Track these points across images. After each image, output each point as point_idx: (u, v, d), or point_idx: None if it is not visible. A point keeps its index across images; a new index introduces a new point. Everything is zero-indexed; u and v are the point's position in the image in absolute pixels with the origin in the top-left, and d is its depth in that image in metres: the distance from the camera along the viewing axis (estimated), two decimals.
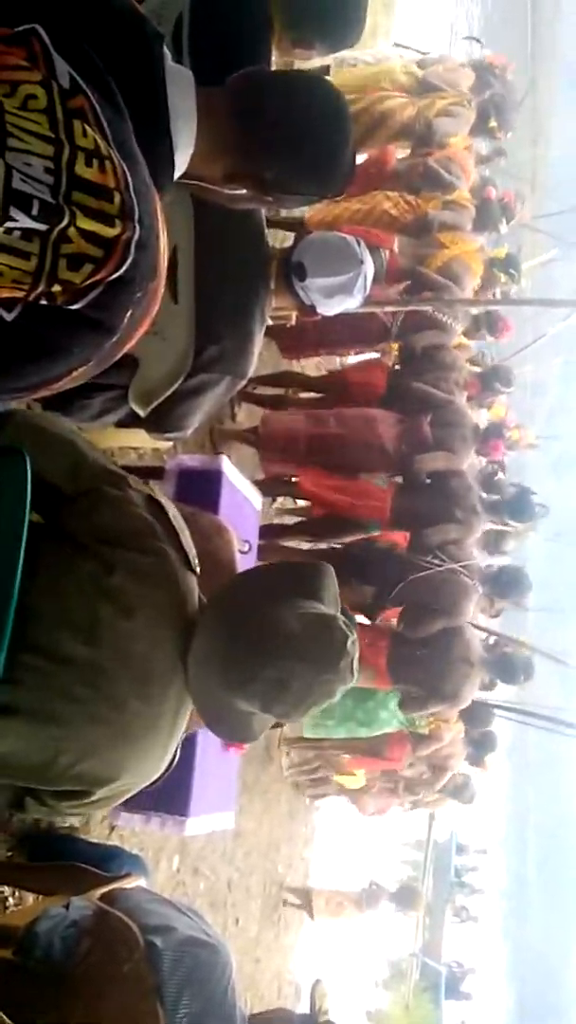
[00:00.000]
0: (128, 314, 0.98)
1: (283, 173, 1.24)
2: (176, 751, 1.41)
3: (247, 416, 4.90)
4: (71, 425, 1.41)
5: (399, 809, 6.97)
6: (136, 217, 0.94)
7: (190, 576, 1.41)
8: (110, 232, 0.93)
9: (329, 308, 2.27)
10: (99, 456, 1.41)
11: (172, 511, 1.42)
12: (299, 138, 1.23)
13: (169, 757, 1.39)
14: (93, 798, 1.35)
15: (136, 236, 0.94)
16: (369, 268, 2.29)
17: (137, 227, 0.94)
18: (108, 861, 2.67)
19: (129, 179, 0.95)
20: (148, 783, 1.40)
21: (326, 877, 7.48)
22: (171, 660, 1.35)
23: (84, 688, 1.28)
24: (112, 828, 3.40)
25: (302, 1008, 5.07)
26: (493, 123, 5.34)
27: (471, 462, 4.87)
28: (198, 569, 1.43)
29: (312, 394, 4.99)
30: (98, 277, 0.93)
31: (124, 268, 0.94)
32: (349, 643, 1.33)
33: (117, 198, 0.93)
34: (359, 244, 2.32)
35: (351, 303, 2.29)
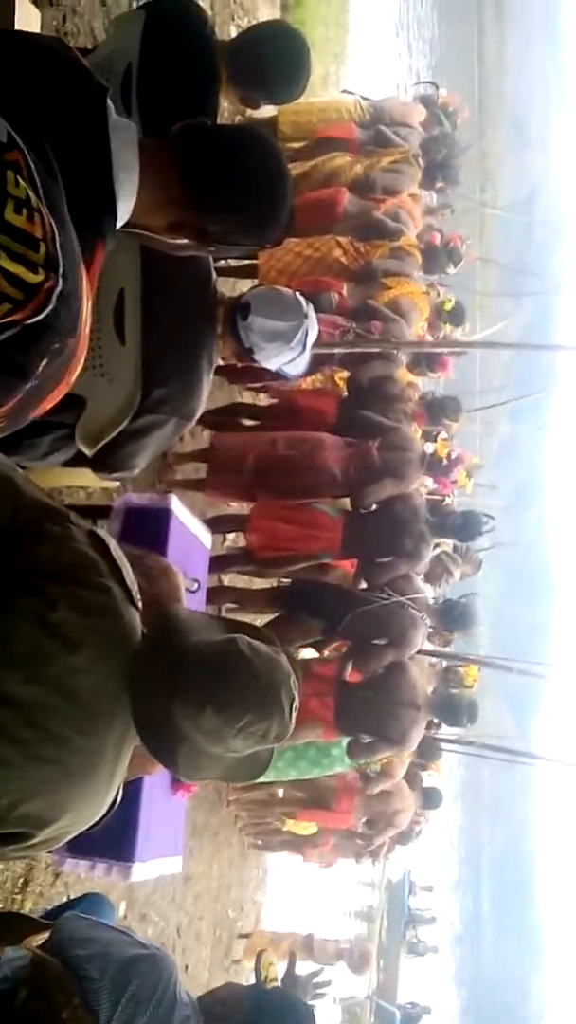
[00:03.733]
0: (43, 362, 0.99)
1: (225, 227, 1.27)
2: (119, 789, 1.40)
3: (194, 443, 4.89)
4: (8, 461, 1.41)
5: (350, 861, 6.94)
6: (60, 271, 0.96)
7: (133, 611, 1.41)
8: (33, 278, 0.94)
9: (266, 355, 2.29)
10: (38, 492, 1.41)
11: (113, 546, 1.43)
12: (241, 195, 1.27)
13: (112, 794, 1.38)
14: (35, 840, 1.33)
15: (59, 288, 0.96)
16: (312, 326, 2.32)
17: (60, 280, 0.96)
18: (71, 907, 2.60)
19: (56, 234, 0.97)
20: (92, 823, 1.39)
21: (275, 921, 7.35)
22: (115, 694, 1.34)
23: (27, 728, 1.27)
24: (57, 875, 3.33)
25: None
26: (440, 183, 5.54)
27: (419, 486, 4.93)
28: (140, 604, 1.43)
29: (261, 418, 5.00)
30: (15, 317, 0.94)
31: (44, 314, 0.96)
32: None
33: (43, 248, 0.95)
34: (308, 306, 2.35)
35: (289, 356, 2.31)
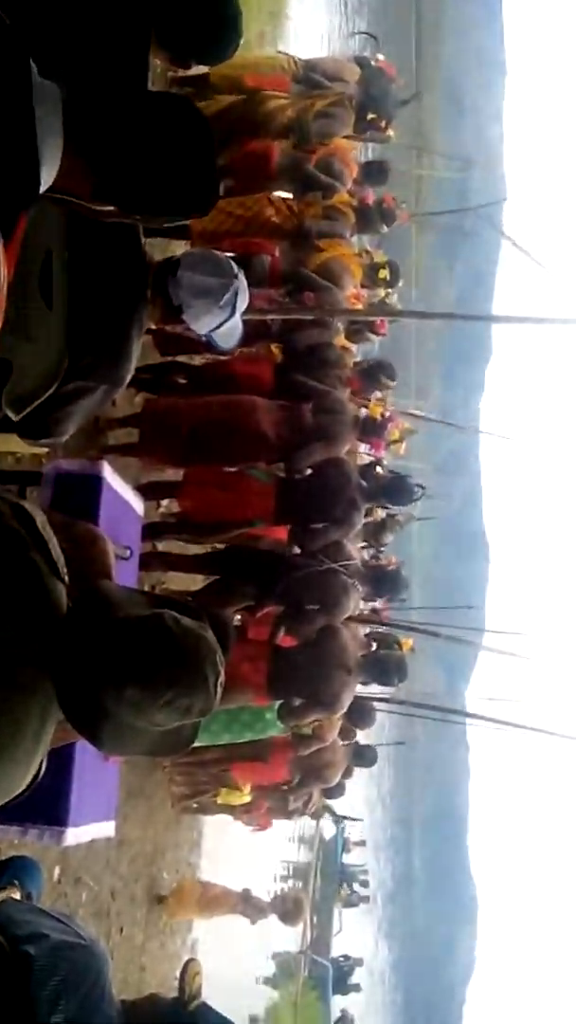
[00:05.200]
0: None
1: (149, 197, 1.26)
2: (42, 764, 1.40)
3: (127, 407, 4.83)
4: None
5: (283, 820, 7.02)
6: None
7: (59, 585, 1.41)
8: None
9: (194, 314, 2.26)
10: None
11: (40, 520, 1.42)
12: (164, 167, 1.26)
13: (34, 769, 1.39)
14: None
15: None
16: (242, 288, 2.30)
17: None
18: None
19: None
20: (11, 797, 1.39)
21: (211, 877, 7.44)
22: (38, 669, 1.35)
23: None
24: None
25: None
26: (372, 115, 5.35)
27: (353, 448, 4.97)
28: (67, 578, 1.43)
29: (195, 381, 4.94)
30: None
31: None
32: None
33: None
34: (239, 270, 2.33)
35: (218, 318, 2.30)
